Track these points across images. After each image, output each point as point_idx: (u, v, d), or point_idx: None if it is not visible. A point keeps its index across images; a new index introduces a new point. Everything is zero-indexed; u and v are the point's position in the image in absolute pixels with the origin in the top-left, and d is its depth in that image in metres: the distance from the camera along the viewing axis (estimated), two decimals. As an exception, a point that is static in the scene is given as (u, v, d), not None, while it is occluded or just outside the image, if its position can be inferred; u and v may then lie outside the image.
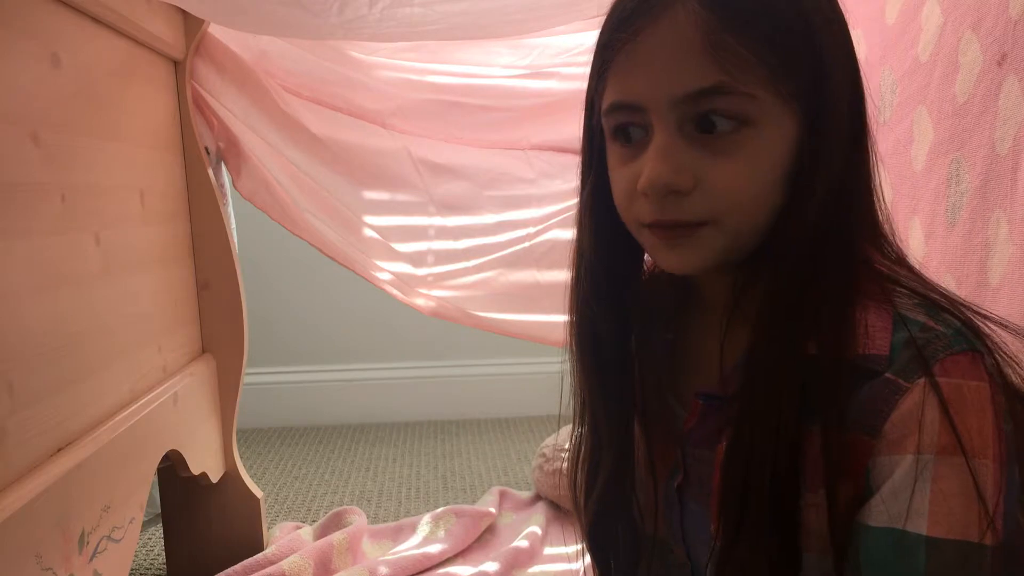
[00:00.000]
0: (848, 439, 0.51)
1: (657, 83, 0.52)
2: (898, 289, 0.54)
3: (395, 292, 1.51)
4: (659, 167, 0.52)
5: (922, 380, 0.49)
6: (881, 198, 0.58)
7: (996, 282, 0.77)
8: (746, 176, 0.52)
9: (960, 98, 0.83)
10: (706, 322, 0.62)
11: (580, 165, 0.64)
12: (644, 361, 0.65)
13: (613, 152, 0.58)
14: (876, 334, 0.51)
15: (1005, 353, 0.53)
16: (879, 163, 0.58)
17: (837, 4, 0.55)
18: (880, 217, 0.58)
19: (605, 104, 0.56)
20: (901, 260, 0.58)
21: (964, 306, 0.54)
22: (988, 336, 0.53)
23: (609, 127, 0.57)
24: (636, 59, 0.53)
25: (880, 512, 0.49)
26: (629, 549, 0.68)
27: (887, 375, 0.50)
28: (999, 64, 0.77)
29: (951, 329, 0.51)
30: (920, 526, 0.48)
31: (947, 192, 0.85)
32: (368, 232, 1.50)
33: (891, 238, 0.59)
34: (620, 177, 0.57)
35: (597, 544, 0.70)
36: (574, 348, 0.66)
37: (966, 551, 0.47)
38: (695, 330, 0.64)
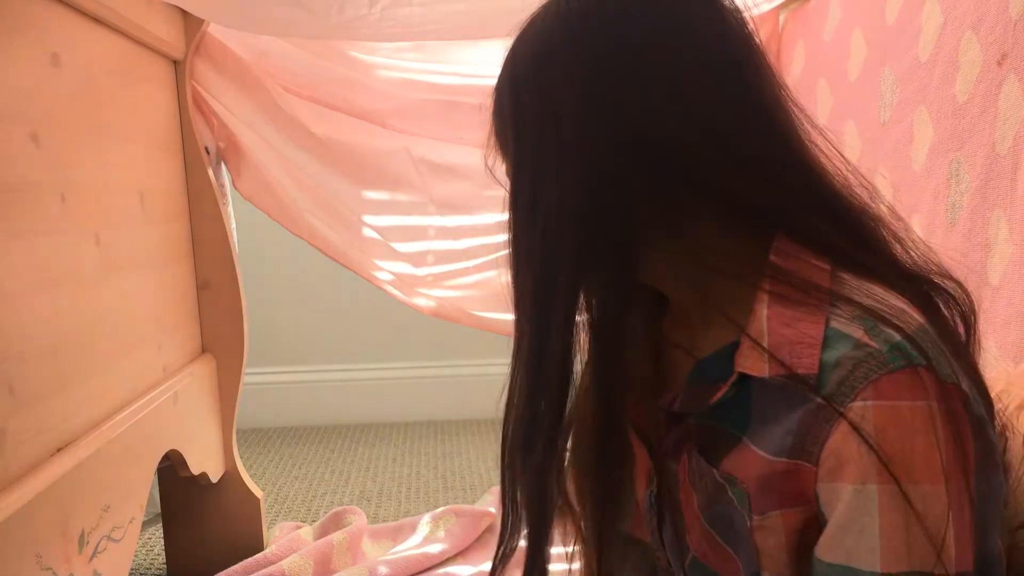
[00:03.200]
0: (790, 465, 0.49)
1: None
2: (836, 299, 0.50)
3: (395, 292, 1.51)
4: None
5: (855, 404, 0.46)
6: (856, 189, 0.56)
7: (996, 282, 0.77)
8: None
9: (960, 98, 0.83)
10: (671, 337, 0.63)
11: None
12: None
13: None
14: (802, 351, 0.49)
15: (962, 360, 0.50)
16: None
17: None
18: (842, 212, 0.54)
19: None
20: (863, 261, 0.54)
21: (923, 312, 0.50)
22: (950, 342, 0.50)
23: None
24: None
25: (832, 547, 0.48)
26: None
27: (819, 400, 0.48)
28: (999, 64, 0.77)
29: (888, 344, 0.47)
30: (873, 563, 0.46)
31: (947, 192, 0.85)
32: (368, 232, 1.50)
33: (863, 233, 0.55)
34: None
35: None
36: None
37: None
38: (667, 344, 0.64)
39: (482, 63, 1.47)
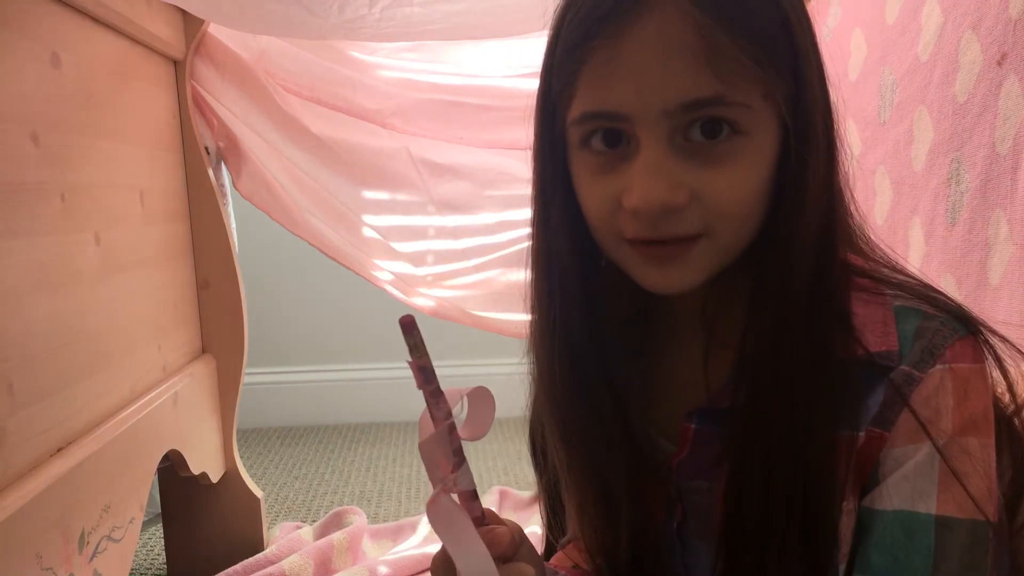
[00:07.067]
0: (871, 434, 0.51)
1: (647, 91, 0.47)
2: (888, 282, 0.54)
3: (395, 292, 1.51)
4: (653, 186, 0.47)
5: (935, 369, 0.50)
6: (853, 198, 0.57)
7: (996, 282, 0.77)
8: (742, 186, 0.49)
9: (960, 98, 0.83)
10: (677, 342, 0.59)
11: (536, 186, 0.57)
12: (623, 393, 0.59)
13: (583, 162, 0.52)
14: (882, 329, 0.52)
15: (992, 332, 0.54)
16: (846, 161, 0.55)
17: (803, 2, 0.53)
18: (855, 216, 0.57)
19: (575, 113, 0.51)
20: (881, 257, 0.58)
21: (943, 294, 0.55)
22: (978, 318, 0.53)
23: (579, 135, 0.52)
24: (619, 63, 0.47)
25: (889, 496, 0.50)
26: None
27: (902, 368, 0.50)
28: (999, 64, 0.77)
29: (951, 314, 0.51)
30: (929, 506, 0.49)
31: (947, 192, 0.85)
32: (368, 232, 1.50)
33: (868, 236, 0.58)
34: (596, 189, 0.51)
35: None
36: (558, 391, 0.59)
37: (974, 529, 0.48)
38: (666, 353, 0.60)
39: (482, 63, 1.47)
